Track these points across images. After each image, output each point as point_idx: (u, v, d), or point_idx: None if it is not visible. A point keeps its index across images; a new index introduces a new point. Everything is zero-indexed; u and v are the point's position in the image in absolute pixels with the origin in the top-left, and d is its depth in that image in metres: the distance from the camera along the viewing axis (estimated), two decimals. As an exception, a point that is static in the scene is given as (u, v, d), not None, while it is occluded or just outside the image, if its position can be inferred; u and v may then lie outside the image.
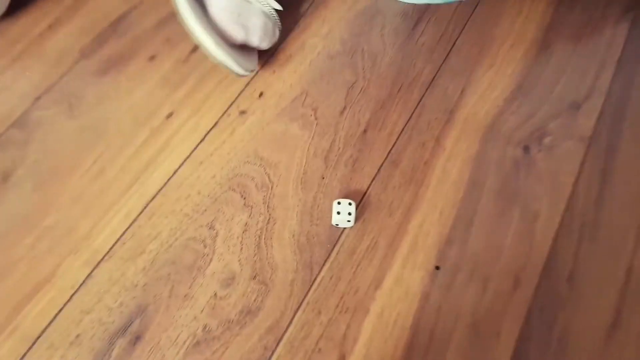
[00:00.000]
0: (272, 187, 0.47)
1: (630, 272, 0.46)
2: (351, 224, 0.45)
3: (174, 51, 0.54)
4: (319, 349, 0.41)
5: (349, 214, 0.44)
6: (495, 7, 0.59)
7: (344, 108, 0.52)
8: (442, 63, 0.55)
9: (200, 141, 0.49)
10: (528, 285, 0.45)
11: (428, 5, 0.59)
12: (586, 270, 0.45)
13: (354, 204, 0.45)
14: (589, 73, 0.56)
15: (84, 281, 0.43)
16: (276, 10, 0.56)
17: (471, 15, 0.59)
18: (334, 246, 0.45)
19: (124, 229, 0.45)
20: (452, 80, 0.54)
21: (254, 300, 0.43)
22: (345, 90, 0.53)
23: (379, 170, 0.49)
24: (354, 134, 0.51)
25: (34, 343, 0.41)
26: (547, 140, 0.51)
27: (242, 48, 0.50)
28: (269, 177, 0.48)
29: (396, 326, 0.43)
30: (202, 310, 0.42)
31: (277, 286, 0.43)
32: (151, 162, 0.48)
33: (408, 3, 0.59)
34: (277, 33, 0.53)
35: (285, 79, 0.54)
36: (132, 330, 0.41)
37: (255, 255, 0.44)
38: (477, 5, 0.59)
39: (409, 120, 0.52)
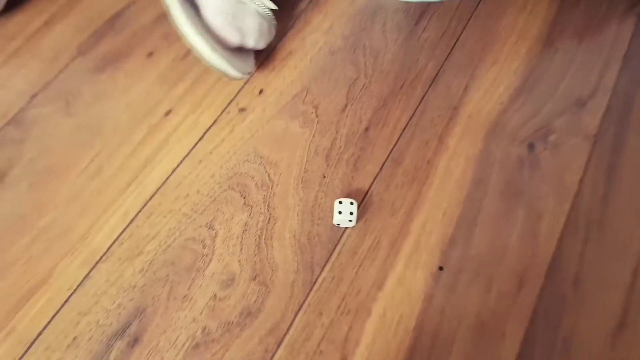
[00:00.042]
0: (272, 186, 0.47)
1: (636, 273, 0.45)
2: (353, 223, 0.44)
3: (173, 48, 0.53)
4: (321, 351, 0.41)
5: (351, 213, 0.44)
6: (499, 3, 0.58)
7: (346, 105, 0.51)
8: (445, 59, 0.54)
9: (199, 139, 0.49)
10: (533, 286, 0.44)
11: (430, 2, 0.58)
12: (592, 271, 0.45)
13: (355, 204, 0.44)
14: (595, 69, 0.55)
15: (81, 282, 0.42)
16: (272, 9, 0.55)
17: (474, 10, 0.58)
18: (336, 246, 0.45)
19: (121, 229, 0.44)
20: (455, 76, 0.53)
21: (254, 302, 0.42)
22: (346, 87, 0.52)
23: (381, 168, 0.48)
24: (356, 131, 0.50)
25: (30, 346, 0.40)
26: (552, 138, 0.50)
27: (238, 50, 0.50)
28: (269, 176, 0.47)
29: (399, 328, 0.42)
30: (201, 312, 0.41)
31: (277, 287, 0.43)
32: (149, 161, 0.47)
33: (409, 1, 0.58)
34: (273, 32, 0.52)
35: (285, 75, 0.53)
36: (130, 332, 0.41)
37: (255, 255, 0.44)
38: (480, 0, 0.58)
39: (411, 117, 0.51)
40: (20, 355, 0.39)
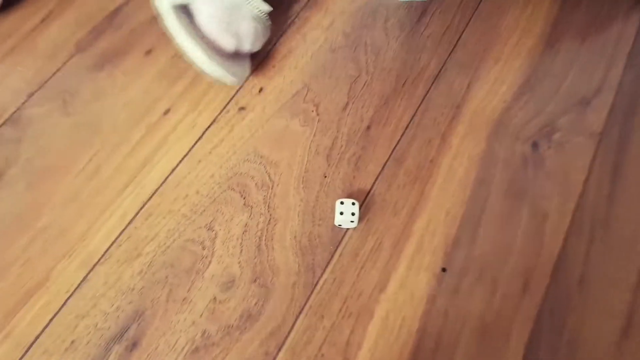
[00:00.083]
0: (272, 187, 0.46)
1: (642, 274, 0.44)
2: (354, 224, 0.43)
3: (171, 45, 0.52)
4: (322, 355, 0.40)
5: (352, 214, 0.43)
6: (501, 0, 0.58)
7: (347, 103, 0.50)
8: (448, 57, 0.54)
9: (199, 139, 0.48)
10: (538, 287, 0.43)
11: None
12: (597, 272, 0.44)
13: (357, 204, 0.43)
14: (599, 67, 0.54)
15: (79, 285, 0.42)
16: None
17: (477, 8, 0.57)
18: (337, 248, 0.44)
19: (119, 231, 0.44)
20: (457, 74, 0.53)
21: (255, 305, 0.41)
22: (348, 85, 0.51)
23: (383, 168, 0.47)
24: (357, 130, 0.49)
25: (28, 349, 0.39)
26: (556, 136, 0.50)
27: (234, 56, 0.49)
28: (269, 176, 0.46)
29: (402, 331, 0.41)
30: (201, 315, 0.41)
31: (278, 290, 0.42)
32: (148, 161, 0.47)
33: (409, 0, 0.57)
34: (268, 33, 0.51)
35: (285, 73, 0.52)
36: (128, 335, 0.40)
37: (255, 257, 0.43)
38: (483, -3, 0.58)
39: (413, 116, 0.50)
40: (17, 358, 0.39)
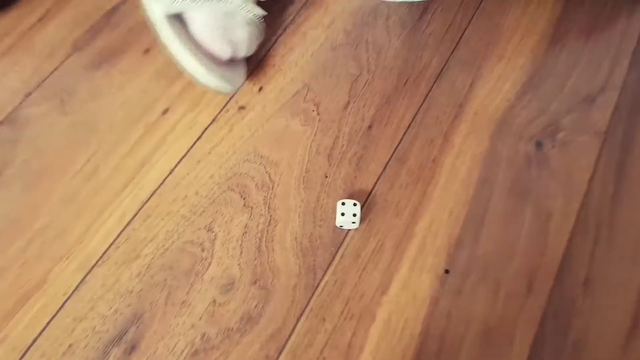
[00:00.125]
0: (272, 187, 0.45)
1: (648, 275, 0.44)
2: (356, 225, 0.43)
3: (170, 44, 0.52)
4: (324, 358, 0.39)
5: (354, 215, 0.42)
6: (505, -4, 0.57)
7: (348, 103, 0.50)
8: (450, 55, 0.53)
9: (198, 138, 0.47)
10: (542, 288, 0.43)
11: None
12: (602, 273, 0.43)
13: (358, 205, 0.43)
14: (603, 65, 0.53)
15: (76, 287, 0.41)
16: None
17: (479, 5, 0.57)
18: (338, 249, 0.43)
19: (118, 232, 0.43)
20: (460, 72, 0.52)
21: (255, 307, 0.41)
22: (349, 83, 0.51)
23: (384, 168, 0.47)
24: (359, 130, 0.48)
25: (25, 353, 0.39)
26: (560, 135, 0.49)
27: (229, 63, 0.48)
28: (269, 176, 0.46)
29: (404, 333, 0.41)
30: (200, 318, 0.40)
31: (279, 292, 0.41)
32: (146, 161, 0.46)
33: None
34: (263, 35, 0.50)
35: (285, 72, 0.51)
36: (127, 339, 0.39)
37: (255, 259, 0.43)
38: (485, -7, 0.57)
39: (416, 115, 0.49)
40: (14, 362, 0.38)
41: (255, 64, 0.52)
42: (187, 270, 0.42)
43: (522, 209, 0.46)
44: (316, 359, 0.39)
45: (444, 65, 0.52)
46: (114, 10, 0.54)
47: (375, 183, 0.46)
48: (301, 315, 0.41)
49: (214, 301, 0.41)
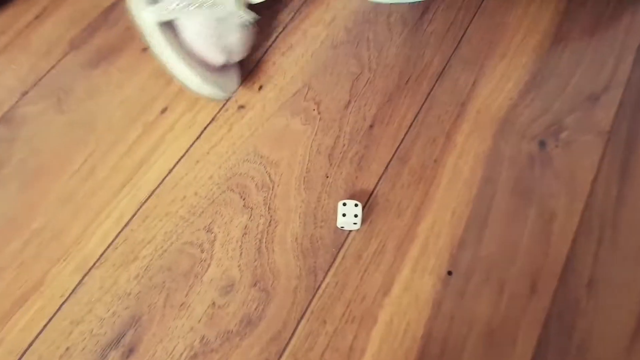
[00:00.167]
0: (273, 187, 0.45)
1: (653, 276, 0.43)
2: (357, 226, 0.42)
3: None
4: (325, 361, 0.39)
5: (355, 215, 0.42)
6: (507, -7, 0.56)
7: (349, 102, 0.49)
8: (452, 53, 0.52)
9: (197, 138, 0.47)
10: (545, 290, 0.42)
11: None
12: (606, 274, 0.43)
13: (360, 205, 0.42)
14: (607, 63, 0.53)
15: (74, 289, 0.40)
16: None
17: (482, 2, 0.56)
18: (339, 250, 0.43)
19: (115, 233, 0.42)
20: (463, 71, 0.51)
21: (255, 309, 0.40)
22: (350, 82, 0.50)
23: (386, 168, 0.46)
24: (360, 129, 0.48)
25: (21, 356, 0.38)
26: (564, 134, 0.48)
27: (222, 69, 0.48)
28: (269, 177, 0.45)
29: (406, 336, 0.40)
30: (199, 320, 0.40)
31: (279, 294, 0.41)
32: (144, 161, 0.46)
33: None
34: (254, 39, 0.50)
35: (286, 70, 0.51)
36: (125, 342, 0.39)
37: (255, 260, 0.42)
38: (487, -9, 0.57)
39: (417, 114, 0.49)
40: (10, 366, 0.38)
41: (254, 63, 0.51)
42: (186, 271, 0.41)
43: (526, 209, 0.45)
44: (317, 362, 0.39)
45: (446, 64, 0.52)
46: (111, 8, 0.54)
47: (377, 183, 0.46)
48: (302, 317, 0.40)
49: (214, 303, 0.40)
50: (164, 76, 0.49)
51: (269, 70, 0.51)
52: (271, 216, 0.44)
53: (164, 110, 0.48)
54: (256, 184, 0.45)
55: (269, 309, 0.40)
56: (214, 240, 0.43)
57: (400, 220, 0.44)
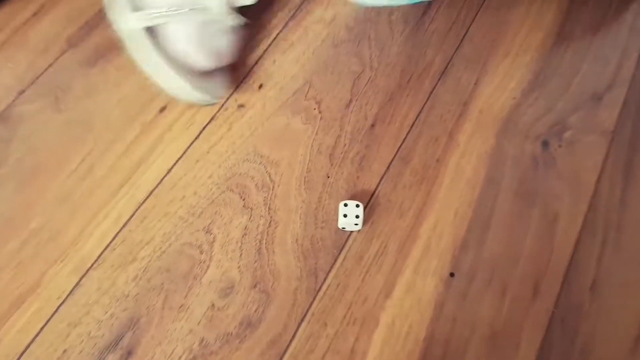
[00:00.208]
0: (273, 187, 0.44)
1: (658, 278, 0.43)
2: (359, 227, 0.42)
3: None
4: (326, 364, 0.39)
5: (357, 216, 0.41)
6: (510, -8, 0.56)
7: (350, 100, 0.49)
8: (455, 52, 0.52)
9: (196, 137, 0.46)
10: (549, 293, 0.42)
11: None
12: (610, 277, 0.42)
13: (361, 206, 0.42)
14: (610, 62, 0.52)
15: (71, 291, 0.40)
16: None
17: (484, 1, 0.55)
18: (341, 251, 0.42)
19: (113, 234, 0.42)
20: (465, 70, 0.51)
21: (255, 311, 0.40)
22: (351, 81, 0.50)
23: (388, 168, 0.46)
24: (361, 128, 0.47)
25: (18, 359, 0.38)
26: (567, 134, 0.48)
27: (210, 73, 0.47)
28: (269, 177, 0.45)
29: (408, 338, 0.40)
30: (198, 323, 0.39)
31: (279, 295, 0.40)
32: (143, 161, 0.45)
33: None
34: (243, 43, 0.49)
35: (286, 69, 0.50)
36: (123, 344, 0.38)
37: (255, 261, 0.41)
38: (489, -11, 0.56)
39: (419, 113, 0.48)
40: (7, 369, 0.37)
41: (254, 61, 0.50)
42: (185, 273, 0.41)
43: (529, 210, 0.45)
44: (318, 365, 0.38)
45: (448, 63, 0.51)
46: (110, 5, 0.53)
47: (379, 183, 0.45)
48: (302, 320, 0.40)
49: (213, 305, 0.40)
50: (163, 74, 0.49)
51: (269, 69, 0.50)
52: (271, 217, 0.43)
53: (162, 109, 0.47)
54: (256, 184, 0.44)
55: (269, 311, 0.40)
56: (214, 241, 0.42)
57: (402, 220, 0.44)
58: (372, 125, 0.47)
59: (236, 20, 0.46)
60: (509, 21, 0.54)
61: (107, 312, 0.39)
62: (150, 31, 0.43)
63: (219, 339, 0.39)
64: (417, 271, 0.42)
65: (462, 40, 0.53)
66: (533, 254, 0.43)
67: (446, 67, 0.51)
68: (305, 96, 0.49)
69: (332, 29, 0.52)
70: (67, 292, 0.40)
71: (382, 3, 0.52)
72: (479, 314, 0.41)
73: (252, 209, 0.43)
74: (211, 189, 0.44)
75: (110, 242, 0.42)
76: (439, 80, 0.50)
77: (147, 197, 0.43)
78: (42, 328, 0.39)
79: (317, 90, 0.49)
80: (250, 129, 0.47)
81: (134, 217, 0.43)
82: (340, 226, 0.42)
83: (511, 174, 0.46)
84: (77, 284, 0.40)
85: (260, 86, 0.49)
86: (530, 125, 0.48)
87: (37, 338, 0.38)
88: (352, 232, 0.43)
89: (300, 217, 0.43)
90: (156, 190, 0.44)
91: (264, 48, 0.51)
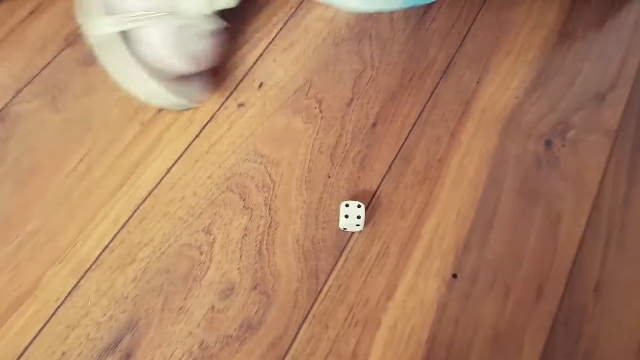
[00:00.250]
0: (273, 188, 0.44)
1: (662, 279, 0.42)
2: (360, 227, 0.41)
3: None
4: (327, 367, 0.38)
5: (358, 217, 0.41)
6: (512, -11, 0.55)
7: (351, 99, 0.48)
8: (457, 50, 0.51)
9: (195, 137, 0.46)
10: (552, 294, 0.41)
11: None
12: (614, 279, 0.42)
13: (363, 207, 0.41)
14: (613, 61, 0.52)
15: (69, 293, 0.39)
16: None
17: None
18: (342, 252, 0.42)
19: (112, 235, 0.41)
20: (467, 68, 0.50)
21: (255, 313, 0.39)
22: (352, 80, 0.49)
23: (389, 167, 0.45)
24: (362, 128, 0.47)
25: (15, 361, 0.37)
26: (570, 134, 0.47)
27: (188, 77, 0.46)
28: (270, 177, 0.44)
29: (410, 340, 0.39)
30: (198, 325, 0.39)
31: (280, 297, 0.40)
32: (142, 161, 0.45)
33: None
34: (225, 46, 0.48)
35: (287, 67, 0.50)
36: (122, 347, 0.38)
37: (256, 262, 0.41)
38: (491, -13, 0.56)
39: (421, 112, 0.48)
40: (4, 371, 0.37)
41: (254, 60, 0.50)
42: (185, 274, 0.40)
43: (532, 210, 0.44)
44: (319, 367, 0.38)
45: (450, 61, 0.51)
46: (108, 3, 0.52)
47: (380, 183, 0.45)
48: (303, 322, 0.39)
49: (213, 307, 0.39)
50: (162, 73, 0.48)
51: (270, 67, 0.50)
52: (272, 217, 0.43)
53: (161, 109, 0.47)
54: (256, 184, 0.44)
55: (270, 312, 0.39)
56: (213, 242, 0.42)
57: (403, 221, 0.43)
58: (374, 125, 0.47)
59: (216, 24, 0.45)
60: (511, 20, 0.54)
61: (105, 314, 0.39)
62: (124, 35, 0.41)
63: (219, 341, 0.38)
64: (419, 272, 0.41)
65: (464, 39, 0.52)
66: (536, 255, 0.42)
67: (448, 66, 0.50)
68: (306, 95, 0.48)
69: (333, 28, 0.52)
70: (65, 294, 0.39)
71: (374, 8, 0.52)
72: (481, 316, 0.40)
73: (252, 209, 0.43)
74: (211, 189, 0.44)
75: (109, 243, 0.41)
76: (440, 79, 0.50)
77: (146, 197, 0.43)
78: (40, 330, 0.38)
79: (317, 89, 0.48)
80: (250, 128, 0.46)
81: (133, 217, 0.42)
82: (341, 227, 0.42)
83: (514, 173, 0.46)
84: (76, 285, 0.40)
85: (261, 85, 0.49)
86: (533, 125, 0.48)
87: (35, 340, 0.38)
88: (353, 232, 0.43)
89: (301, 218, 0.43)
90: (155, 190, 0.43)
91: (264, 47, 0.51)
